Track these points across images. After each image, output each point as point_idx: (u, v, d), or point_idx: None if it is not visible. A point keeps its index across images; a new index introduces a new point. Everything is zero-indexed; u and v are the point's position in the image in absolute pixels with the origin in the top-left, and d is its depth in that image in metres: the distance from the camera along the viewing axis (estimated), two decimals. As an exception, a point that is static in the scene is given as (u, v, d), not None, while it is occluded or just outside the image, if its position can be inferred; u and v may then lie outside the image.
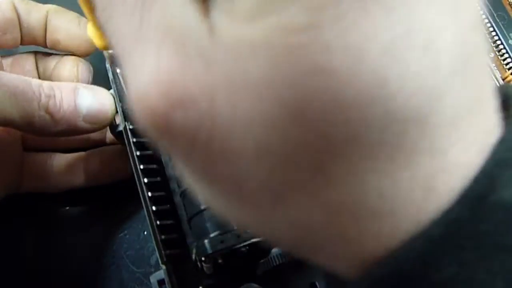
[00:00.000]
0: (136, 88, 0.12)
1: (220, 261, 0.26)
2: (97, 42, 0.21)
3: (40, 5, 0.33)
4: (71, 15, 0.33)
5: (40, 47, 0.34)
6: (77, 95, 0.28)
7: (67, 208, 0.35)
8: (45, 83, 0.28)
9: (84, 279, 0.33)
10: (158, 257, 0.26)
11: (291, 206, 0.12)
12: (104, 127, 0.30)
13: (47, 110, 0.27)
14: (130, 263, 0.33)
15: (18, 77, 0.27)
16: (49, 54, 0.34)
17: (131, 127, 0.29)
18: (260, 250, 0.26)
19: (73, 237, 0.34)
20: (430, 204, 0.11)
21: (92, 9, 0.19)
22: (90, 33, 0.22)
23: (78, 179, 0.33)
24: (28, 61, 0.33)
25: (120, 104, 0.29)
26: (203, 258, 0.25)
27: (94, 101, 0.29)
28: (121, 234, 0.34)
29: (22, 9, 0.32)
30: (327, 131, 0.10)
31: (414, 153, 0.11)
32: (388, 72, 0.10)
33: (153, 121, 0.12)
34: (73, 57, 0.33)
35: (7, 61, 0.33)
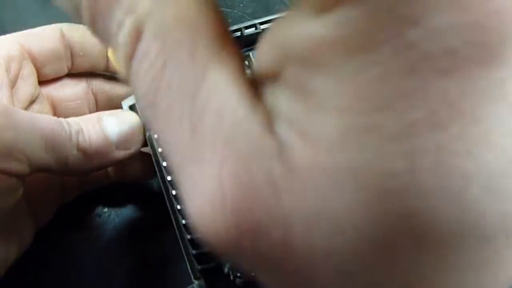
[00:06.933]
0: (195, 205, 0.11)
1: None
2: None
3: None
4: None
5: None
6: (103, 125, 0.26)
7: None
8: (70, 119, 0.26)
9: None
10: (190, 271, 0.25)
11: None
12: (138, 149, 0.28)
13: (78, 148, 0.25)
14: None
15: (52, 118, 0.25)
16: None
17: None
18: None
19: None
20: None
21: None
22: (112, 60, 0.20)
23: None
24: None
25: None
26: (238, 274, 0.25)
27: (121, 125, 0.27)
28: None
29: (74, 36, 0.30)
30: (411, 270, 0.10)
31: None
32: (487, 210, 0.09)
33: (219, 243, 0.11)
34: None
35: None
